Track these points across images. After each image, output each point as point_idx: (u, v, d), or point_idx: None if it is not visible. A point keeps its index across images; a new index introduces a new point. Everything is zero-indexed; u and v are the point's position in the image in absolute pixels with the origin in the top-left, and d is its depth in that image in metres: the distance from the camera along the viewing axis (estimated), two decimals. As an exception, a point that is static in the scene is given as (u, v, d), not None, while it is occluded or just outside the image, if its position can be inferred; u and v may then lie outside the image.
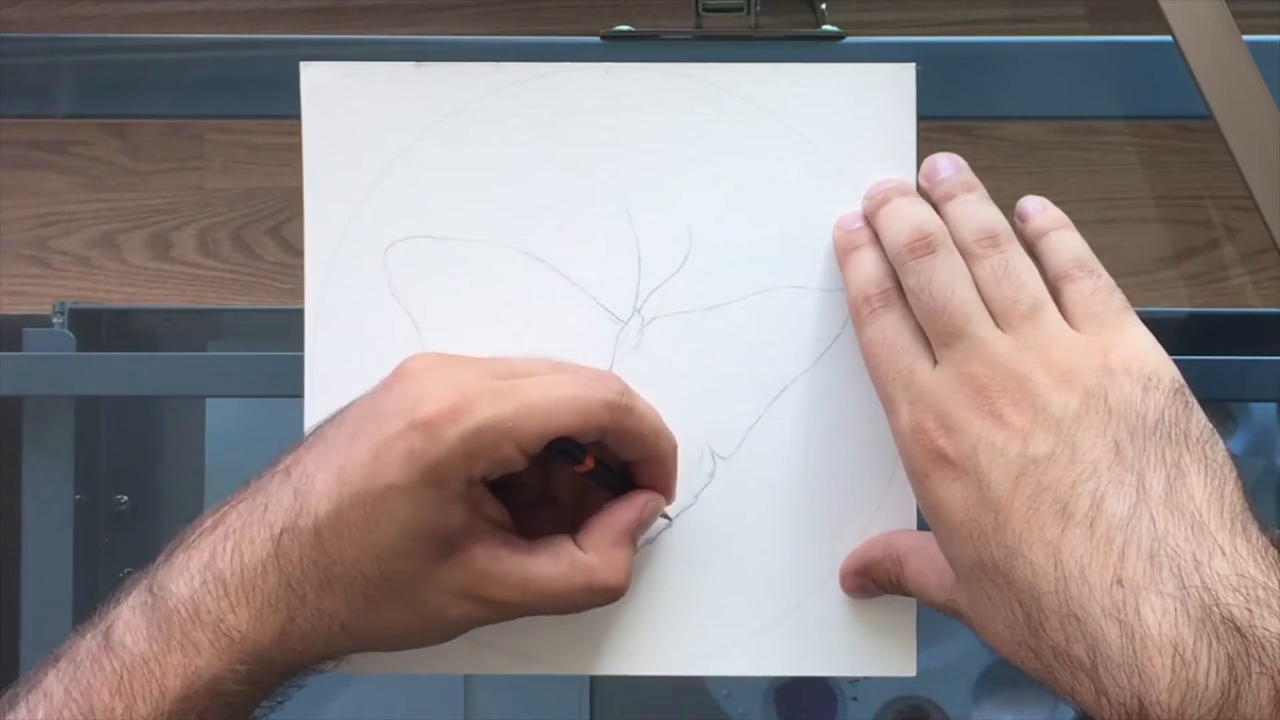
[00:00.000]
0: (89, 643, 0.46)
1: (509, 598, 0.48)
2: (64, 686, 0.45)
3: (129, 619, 0.46)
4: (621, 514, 0.50)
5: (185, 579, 0.46)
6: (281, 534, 0.46)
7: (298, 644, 0.46)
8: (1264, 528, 0.42)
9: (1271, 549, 0.41)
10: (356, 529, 0.45)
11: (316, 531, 0.45)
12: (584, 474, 0.49)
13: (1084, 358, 0.46)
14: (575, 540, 0.49)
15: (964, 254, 0.49)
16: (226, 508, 0.47)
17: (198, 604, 0.45)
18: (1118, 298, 0.48)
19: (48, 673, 0.46)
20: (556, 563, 0.48)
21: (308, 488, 0.46)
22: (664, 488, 0.51)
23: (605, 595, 0.49)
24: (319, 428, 0.49)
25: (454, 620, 0.48)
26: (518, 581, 0.47)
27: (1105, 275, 0.49)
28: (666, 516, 0.53)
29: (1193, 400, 0.45)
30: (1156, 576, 0.40)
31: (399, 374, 0.48)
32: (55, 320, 0.75)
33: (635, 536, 0.50)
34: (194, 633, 0.45)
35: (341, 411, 0.48)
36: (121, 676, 0.45)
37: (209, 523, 0.47)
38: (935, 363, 0.48)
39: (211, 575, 0.46)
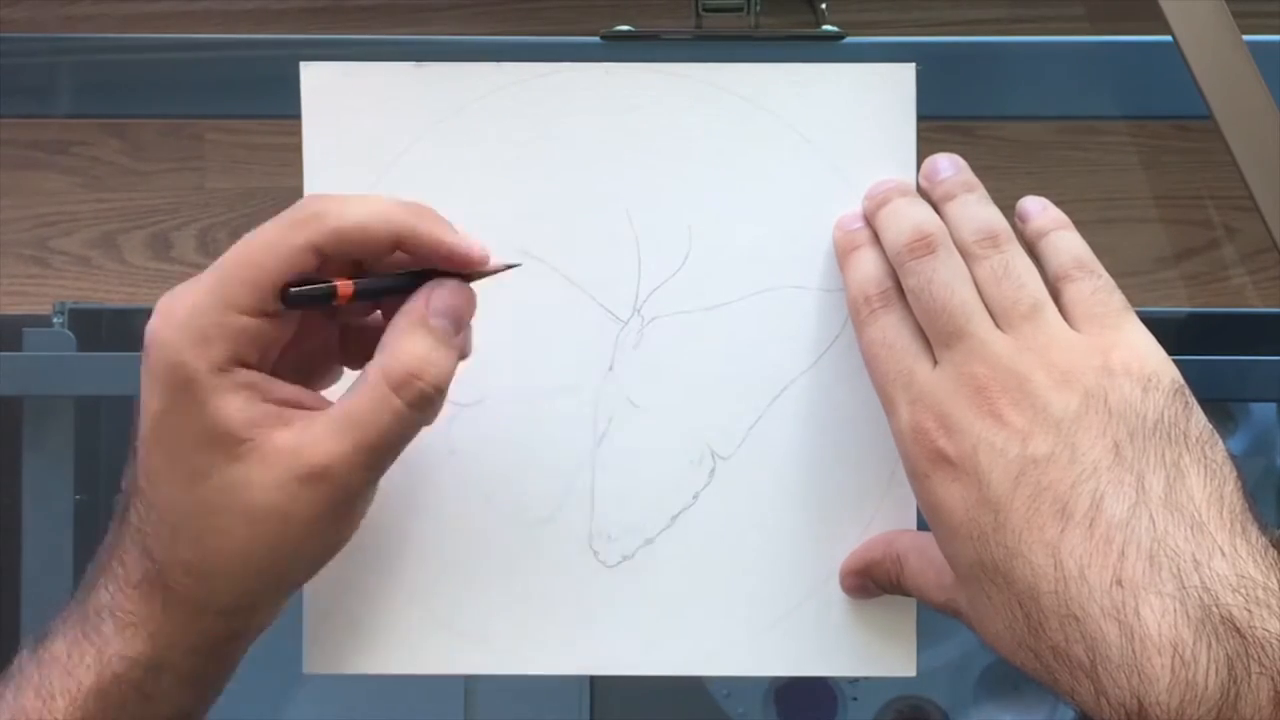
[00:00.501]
0: (23, 655, 0.47)
1: (330, 453, 0.44)
2: (6, 704, 0.46)
3: (56, 626, 0.47)
4: (404, 307, 0.46)
5: (98, 578, 0.47)
6: (126, 507, 0.46)
7: (190, 612, 0.45)
8: (1264, 528, 0.42)
9: (1271, 549, 0.41)
10: (161, 468, 0.45)
11: (140, 490, 0.45)
12: (349, 300, 0.46)
13: (1084, 358, 0.46)
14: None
15: (964, 254, 0.49)
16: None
17: (101, 598, 0.46)
18: (1118, 298, 0.48)
19: None
20: (355, 390, 0.45)
21: (135, 456, 0.46)
22: (445, 256, 0.46)
23: (408, 386, 0.44)
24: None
25: (304, 514, 0.44)
26: (326, 433, 0.44)
27: (1105, 275, 0.49)
28: (507, 266, 0.49)
29: (1193, 401, 0.45)
30: (1156, 577, 0.40)
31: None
32: (55, 320, 0.75)
33: (438, 326, 0.46)
34: (101, 625, 0.46)
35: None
36: (42, 678, 0.46)
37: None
38: (935, 363, 0.48)
39: (108, 569, 0.46)
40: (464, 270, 0.47)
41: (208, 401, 0.44)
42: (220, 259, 0.45)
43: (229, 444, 0.44)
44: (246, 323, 0.44)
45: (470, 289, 0.47)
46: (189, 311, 0.44)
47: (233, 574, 0.45)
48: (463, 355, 0.47)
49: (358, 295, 0.46)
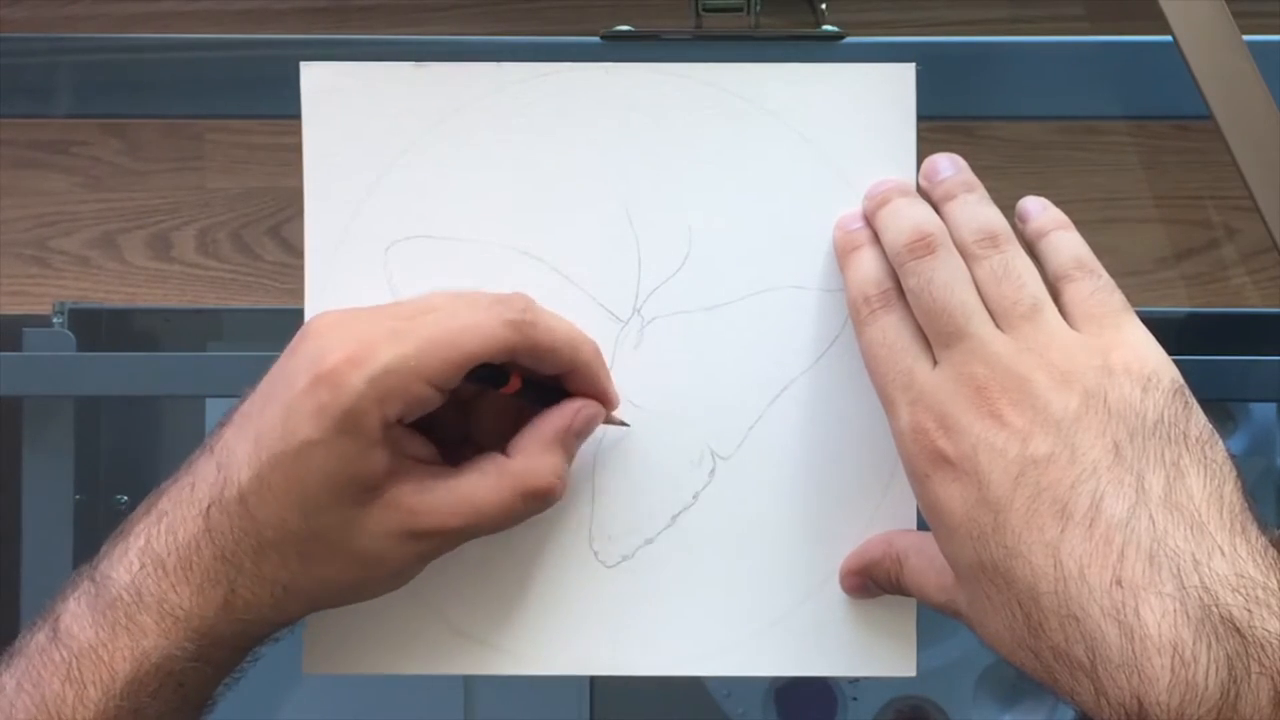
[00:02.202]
0: (38, 637, 0.47)
1: (444, 524, 0.47)
2: (15, 680, 0.46)
3: (75, 610, 0.47)
4: (550, 420, 0.50)
5: (125, 565, 0.46)
6: (210, 508, 0.46)
7: (244, 614, 0.46)
8: (1263, 528, 0.42)
9: (1271, 549, 0.41)
10: (279, 490, 0.45)
11: (242, 500, 0.46)
12: (512, 394, 0.49)
13: (1084, 358, 0.46)
14: (506, 453, 0.49)
15: (964, 254, 0.49)
16: (158, 494, 0.48)
17: (139, 588, 0.46)
18: (1118, 298, 0.48)
19: (1, 670, 0.47)
20: (484, 476, 0.48)
21: (229, 460, 0.46)
22: (598, 394, 0.51)
23: (538, 498, 0.49)
24: (239, 403, 0.49)
25: (396, 562, 0.48)
26: (448, 506, 0.47)
27: (1105, 275, 0.49)
28: (622, 423, 0.53)
29: (1192, 400, 0.45)
30: (1156, 577, 0.40)
31: (302, 334, 0.48)
32: (55, 320, 0.75)
33: (568, 443, 0.50)
34: (138, 615, 0.46)
35: (257, 384, 0.49)
36: (70, 665, 0.45)
37: (143, 510, 0.48)
38: (935, 363, 0.48)
39: (149, 558, 0.46)
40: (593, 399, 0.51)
41: (365, 453, 0.45)
42: (424, 320, 0.47)
43: (363, 490, 0.46)
44: (430, 394, 0.46)
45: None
46: (383, 370, 0.45)
47: (311, 596, 0.48)
48: None
49: (518, 391, 0.49)
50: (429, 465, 0.48)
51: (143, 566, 0.46)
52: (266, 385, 0.48)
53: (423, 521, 0.47)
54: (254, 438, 0.46)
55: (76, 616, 0.46)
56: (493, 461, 0.49)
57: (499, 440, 0.50)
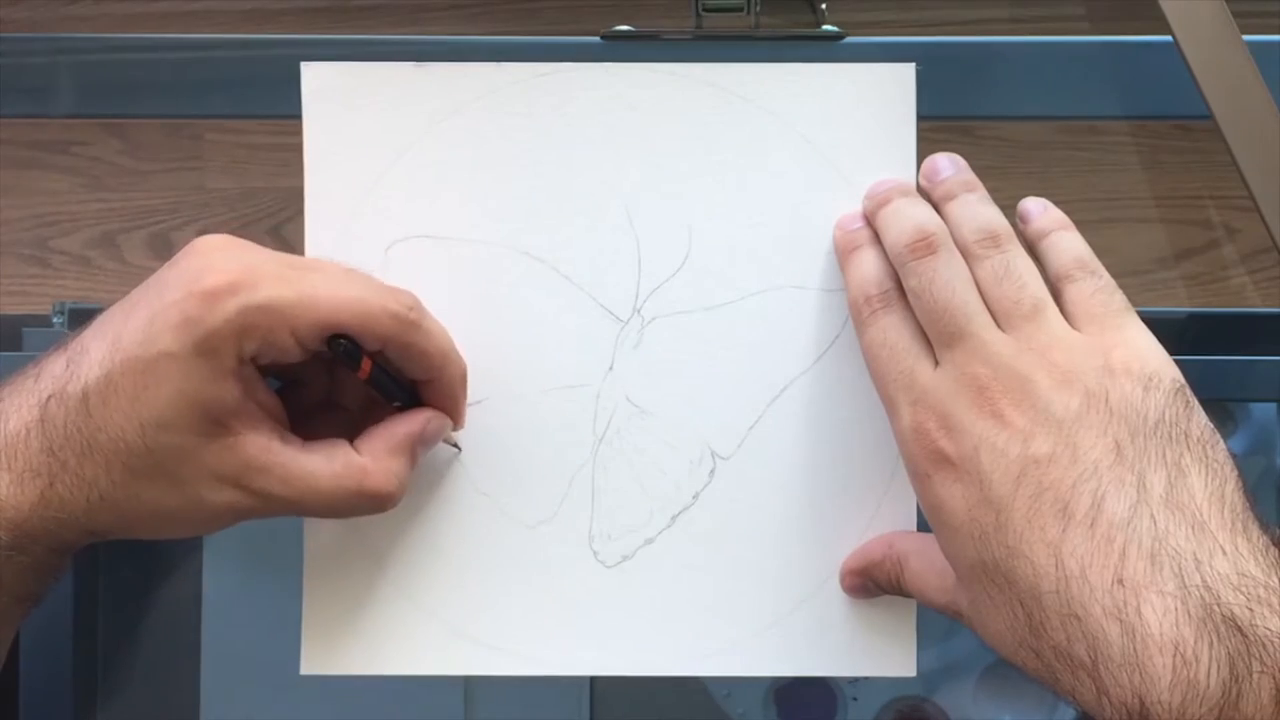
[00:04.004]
0: None
1: (275, 490, 0.47)
2: None
3: None
4: (401, 425, 0.50)
5: None
6: (49, 399, 0.46)
7: (58, 511, 0.46)
8: (1264, 527, 0.42)
9: (1272, 548, 0.41)
10: (125, 395, 0.45)
11: (84, 397, 0.45)
12: (363, 379, 0.49)
13: (1085, 358, 0.46)
14: (353, 445, 0.49)
15: (965, 254, 0.49)
16: (2, 382, 0.48)
17: None
18: (1119, 298, 0.48)
19: None
20: (329, 462, 0.48)
21: (80, 357, 0.46)
22: (451, 411, 0.51)
23: (375, 500, 0.49)
24: (107, 309, 0.48)
25: (216, 506, 0.47)
26: (286, 475, 0.47)
27: (1106, 275, 0.49)
28: (455, 445, 0.53)
29: (1193, 400, 0.45)
30: (1157, 576, 0.40)
31: (189, 250, 0.47)
32: (55, 320, 0.75)
33: (414, 450, 0.50)
34: None
35: (131, 292, 0.48)
36: None
37: None
38: (936, 363, 0.48)
39: None
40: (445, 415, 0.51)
41: (216, 380, 0.45)
42: (312, 276, 0.47)
43: (207, 420, 0.46)
44: (291, 346, 0.46)
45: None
46: (258, 305, 0.45)
47: (122, 512, 0.46)
48: None
49: (369, 378, 0.49)
50: (278, 427, 0.48)
51: None
52: (138, 293, 0.47)
53: (256, 479, 0.47)
54: (112, 339, 0.46)
55: None
56: (340, 450, 0.48)
57: (345, 422, 0.51)
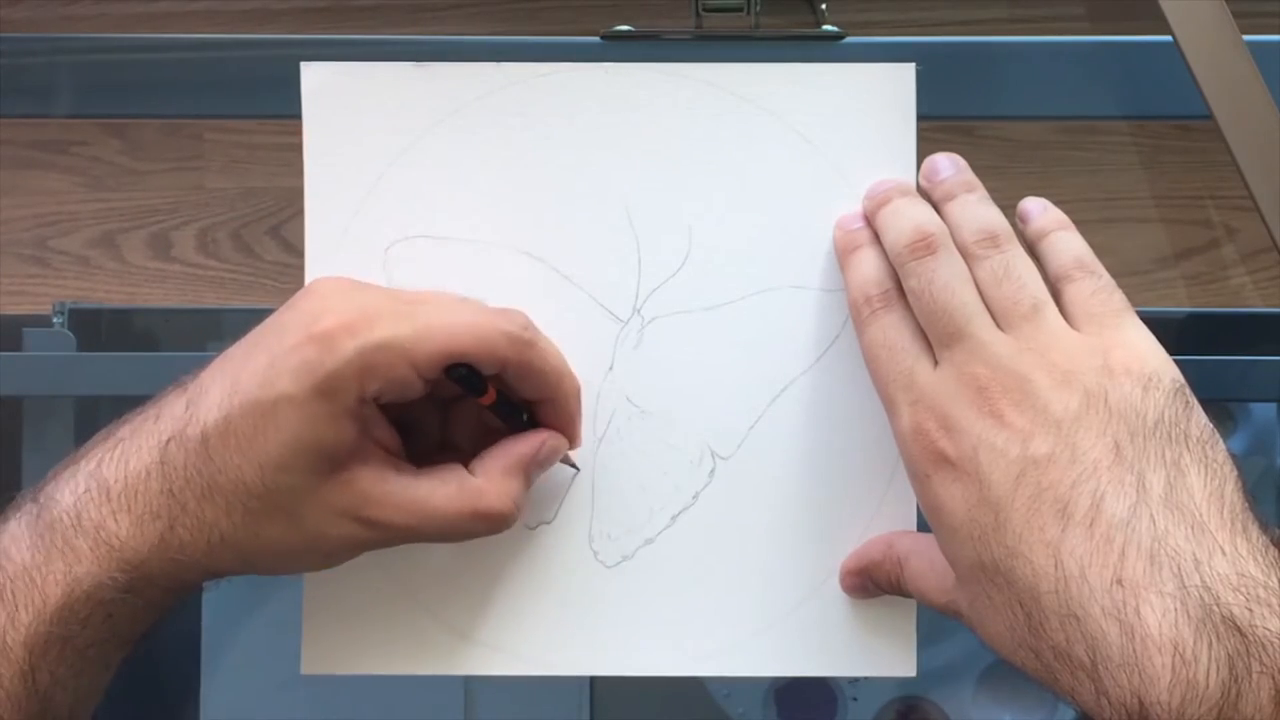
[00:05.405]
0: None
1: (393, 519, 0.47)
2: None
3: (15, 531, 0.46)
4: (517, 445, 0.50)
5: (70, 487, 0.46)
6: (169, 441, 0.46)
7: (177, 553, 0.46)
8: (1264, 527, 0.42)
9: (1272, 548, 0.41)
10: (244, 438, 0.45)
11: (204, 439, 0.45)
12: (486, 405, 0.49)
13: (1084, 358, 0.46)
14: (467, 468, 0.49)
15: (964, 254, 0.49)
16: (120, 423, 0.48)
17: (80, 511, 0.46)
18: (1118, 298, 0.48)
19: None
20: (443, 485, 0.48)
21: (200, 398, 0.46)
22: (567, 431, 0.51)
23: (490, 521, 0.49)
24: (226, 350, 0.49)
25: (336, 541, 0.47)
26: (402, 503, 0.47)
27: (1106, 276, 0.49)
28: (573, 465, 0.53)
29: (1193, 400, 0.45)
30: (1156, 576, 0.40)
31: (304, 292, 0.48)
32: (55, 320, 0.75)
33: (529, 471, 0.50)
34: (75, 540, 0.45)
35: (249, 333, 0.48)
36: (4, 587, 0.45)
37: (101, 436, 0.48)
38: (936, 363, 0.48)
39: (96, 483, 0.46)
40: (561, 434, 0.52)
41: (335, 421, 0.45)
42: (425, 308, 0.47)
43: (324, 460, 0.46)
44: (413, 380, 0.46)
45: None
46: (376, 344, 0.45)
47: (245, 552, 0.47)
48: None
49: (493, 404, 0.49)
50: (392, 458, 0.48)
51: (87, 490, 0.46)
52: (256, 334, 0.48)
53: (373, 510, 0.47)
54: (231, 382, 0.46)
55: (15, 538, 0.46)
56: (454, 473, 0.49)
57: (460, 453, 0.51)
